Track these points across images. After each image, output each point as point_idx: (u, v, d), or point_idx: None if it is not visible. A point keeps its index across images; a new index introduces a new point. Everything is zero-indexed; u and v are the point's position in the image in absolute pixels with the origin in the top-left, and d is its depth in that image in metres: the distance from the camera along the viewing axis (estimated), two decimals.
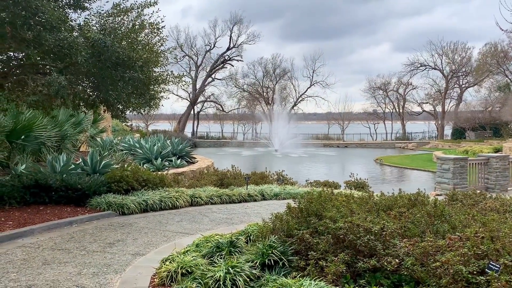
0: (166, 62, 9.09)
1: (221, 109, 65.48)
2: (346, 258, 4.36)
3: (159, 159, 16.22)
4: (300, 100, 65.01)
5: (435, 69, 61.85)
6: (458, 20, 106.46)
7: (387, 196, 7.11)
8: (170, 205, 10.35)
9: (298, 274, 4.78)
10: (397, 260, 4.21)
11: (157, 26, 8.36)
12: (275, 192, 12.39)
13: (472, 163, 15.07)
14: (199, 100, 63.13)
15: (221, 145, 56.01)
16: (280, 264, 5.10)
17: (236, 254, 5.75)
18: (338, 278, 4.32)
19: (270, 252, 5.18)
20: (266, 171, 15.83)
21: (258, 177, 14.29)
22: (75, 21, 9.06)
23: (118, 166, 13.68)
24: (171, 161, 16.80)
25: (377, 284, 4.27)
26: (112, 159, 14.85)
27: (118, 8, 8.37)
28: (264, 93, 66.95)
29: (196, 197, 11.06)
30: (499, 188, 14.91)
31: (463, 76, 61.20)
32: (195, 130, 63.37)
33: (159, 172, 13.45)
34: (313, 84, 64.73)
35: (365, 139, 63.12)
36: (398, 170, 32.09)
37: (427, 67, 62.17)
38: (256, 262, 5.13)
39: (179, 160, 17.02)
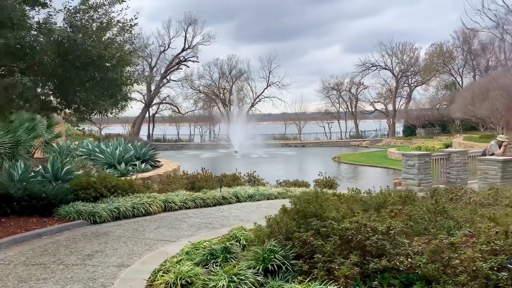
0: (137, 61, 8.63)
1: (177, 111, 64.38)
2: (356, 260, 4.24)
3: (123, 164, 15.57)
4: (258, 101, 65.27)
5: (385, 69, 64.05)
6: (405, 22, 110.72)
7: (375, 194, 7.10)
8: (143, 212, 9.89)
9: (303, 279, 4.62)
10: (409, 260, 4.14)
11: (130, 23, 7.92)
12: (249, 194, 12.19)
13: (435, 159, 15.57)
14: (154, 102, 61.74)
15: (179, 148, 55.03)
16: (283, 268, 4.91)
17: (232, 260, 5.50)
18: (350, 281, 4.19)
19: (272, 256, 4.98)
20: (237, 173, 15.60)
21: (230, 179, 14.03)
22: (33, 18, 8.43)
23: (80, 172, 12.99)
24: (135, 165, 16.18)
25: (389, 285, 4.19)
26: (72, 165, 14.06)
27: (87, 4, 7.85)
28: (221, 94, 66.58)
29: (169, 202, 10.65)
30: (460, 182, 15.47)
31: (412, 76, 63.75)
32: (150, 133, 61.89)
33: (127, 177, 12.87)
34: (269, 85, 65.18)
35: (320, 138, 64.25)
36: (357, 167, 32.82)
37: (378, 67, 64.27)
38: (259, 268, 4.91)
39: (144, 164, 16.43)
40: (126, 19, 7.91)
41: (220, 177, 13.69)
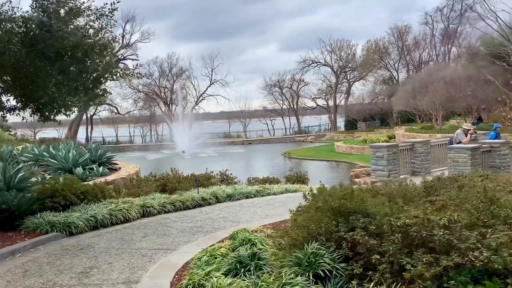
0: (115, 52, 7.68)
1: (116, 111, 61.50)
2: (430, 259, 3.84)
3: (80, 168, 14.21)
4: (201, 99, 64.17)
5: (325, 65, 65.51)
6: (338, 20, 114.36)
7: (390, 187, 6.79)
8: (121, 219, 8.94)
9: (360, 283, 4.16)
10: (485, 254, 3.81)
11: (111, 7, 6.98)
12: (228, 193, 11.56)
13: (401, 149, 15.83)
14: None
15: (122, 150, 52.46)
16: (334, 273, 4.42)
17: (265, 268, 4.92)
18: (425, 282, 3.79)
19: (319, 261, 4.47)
20: (207, 172, 14.86)
21: (204, 179, 13.27)
22: None
23: (36, 179, 11.68)
24: (92, 169, 14.85)
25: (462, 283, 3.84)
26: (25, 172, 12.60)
27: None
28: (162, 93, 64.63)
29: (147, 207, 9.76)
30: (424, 171, 15.88)
31: (350, 71, 65.77)
32: (89, 135, 58.63)
33: (88, 182, 11.71)
34: (212, 83, 64.28)
35: (265, 135, 64.50)
36: (309, 162, 33.05)
37: (318, 63, 65.59)
38: (308, 275, 4.37)
39: (101, 167, 15.14)
40: (106, 2, 6.97)
41: (197, 178, 12.90)
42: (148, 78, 56.78)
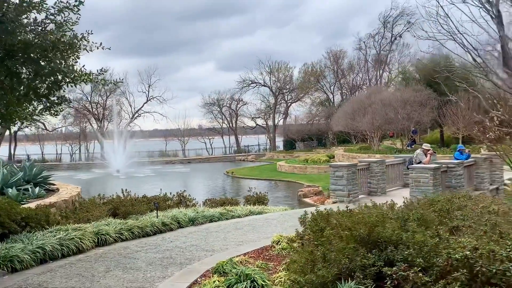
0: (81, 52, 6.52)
1: (43, 127, 57.14)
2: None
3: (13, 189, 12.37)
4: (137, 116, 61.57)
5: (264, 86, 66.04)
6: (276, 43, 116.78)
7: (398, 208, 6.26)
8: (74, 249, 7.63)
9: None
10: None
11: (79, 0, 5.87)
12: (190, 217, 10.51)
13: (358, 169, 15.69)
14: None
15: (50, 169, 48.46)
16: None
17: None
18: None
19: None
20: (162, 193, 13.60)
21: (160, 200, 12.07)
22: None
23: None
24: (27, 190, 13.05)
25: None
26: None
27: None
28: (94, 109, 61.25)
29: (102, 234, 8.48)
30: (380, 191, 15.86)
31: (288, 93, 66.84)
32: (11, 153, 53.73)
33: (27, 204, 10.10)
34: (149, 99, 62.08)
35: (204, 153, 63.23)
36: (254, 181, 32.41)
37: (258, 84, 66.00)
38: None
39: (37, 188, 13.36)
40: None
41: (151, 199, 11.68)
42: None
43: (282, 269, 5.88)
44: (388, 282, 3.73)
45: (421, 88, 35.32)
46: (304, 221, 5.87)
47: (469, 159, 15.70)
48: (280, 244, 7.53)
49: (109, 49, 6.44)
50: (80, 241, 7.82)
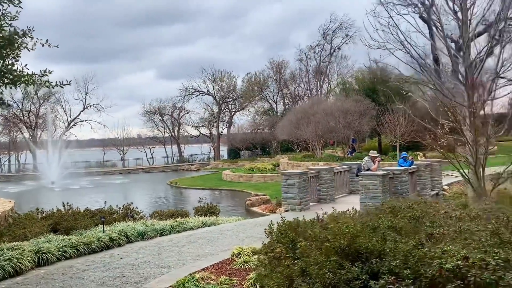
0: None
1: None
2: None
3: None
4: (73, 125, 58.52)
5: (208, 94, 65.51)
6: (218, 52, 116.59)
7: (359, 215, 6.15)
8: (11, 271, 6.81)
9: None
10: None
11: None
12: (139, 231, 9.87)
13: (309, 177, 15.72)
14: None
15: None
16: None
17: None
18: None
19: None
20: (106, 206, 12.73)
21: (105, 214, 11.25)
22: None
23: None
24: None
25: None
26: None
27: None
28: (25, 118, 57.42)
29: (43, 253, 7.68)
30: (329, 198, 16.00)
31: (232, 102, 66.77)
32: None
33: None
34: (86, 107, 59.27)
35: (145, 163, 61.32)
36: (200, 191, 31.76)
37: (201, 92, 65.35)
38: None
39: None
40: None
41: (100, 214, 10.85)
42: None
43: (249, 284, 5.55)
44: None
45: (360, 98, 36.59)
46: (271, 232, 5.58)
47: (412, 166, 16.27)
48: (240, 257, 7.20)
49: (57, 47, 5.82)
50: (18, 262, 7.01)
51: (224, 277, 6.07)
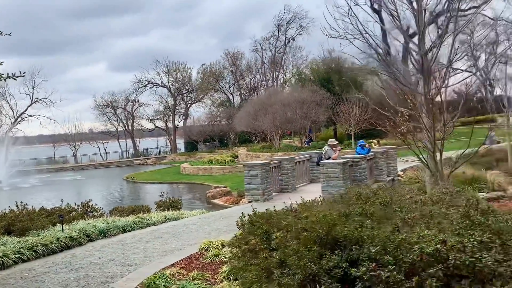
0: None
1: None
2: None
3: None
4: (20, 121, 55.56)
5: (162, 86, 64.19)
6: (171, 43, 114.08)
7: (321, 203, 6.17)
8: None
9: None
10: None
11: None
12: (101, 229, 9.50)
13: (271, 167, 15.76)
14: None
15: None
16: None
17: None
18: None
19: None
20: (63, 204, 12.12)
21: (63, 212, 10.71)
22: None
23: None
24: None
25: None
26: None
27: None
28: None
29: None
30: (291, 187, 16.12)
31: (187, 93, 65.81)
32: None
33: None
34: (34, 102, 56.46)
35: (98, 159, 59.38)
36: (159, 185, 31.19)
37: (155, 84, 63.93)
38: None
39: None
40: None
41: (58, 212, 10.32)
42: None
43: (222, 278, 5.47)
44: (359, 285, 3.52)
45: (316, 88, 37.12)
46: (243, 224, 5.51)
47: (370, 153, 16.70)
48: (210, 250, 7.10)
49: (9, 35, 5.39)
50: None
51: (196, 271, 5.94)
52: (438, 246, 3.40)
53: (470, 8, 13.30)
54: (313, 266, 3.69)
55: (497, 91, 20.74)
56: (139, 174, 39.39)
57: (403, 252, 3.51)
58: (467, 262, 3.25)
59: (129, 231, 9.94)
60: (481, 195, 11.68)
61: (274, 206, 6.19)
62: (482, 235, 3.62)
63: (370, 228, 3.99)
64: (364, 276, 3.44)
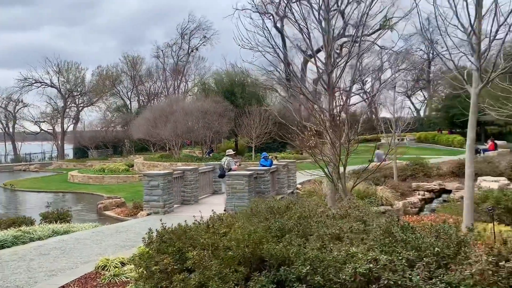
0: None
1: None
2: None
3: None
4: None
5: (51, 86, 59.16)
6: (65, 42, 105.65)
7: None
8: None
9: None
10: None
11: None
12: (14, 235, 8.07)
13: (174, 177, 15.08)
14: None
15: None
16: None
17: None
18: None
19: None
20: None
21: None
22: None
23: None
24: None
25: None
26: None
27: None
28: None
29: None
30: (194, 199, 15.60)
31: (79, 96, 61.48)
32: None
33: None
34: None
35: None
36: (43, 194, 28.29)
37: (43, 84, 58.67)
38: None
39: None
40: None
41: None
42: None
43: None
44: None
45: (220, 99, 37.09)
46: (151, 241, 4.95)
47: (273, 166, 16.92)
48: (108, 270, 6.34)
49: None
50: None
51: None
52: (371, 265, 3.28)
53: (370, 34, 14.26)
54: None
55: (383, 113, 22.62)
56: (20, 181, 35.48)
57: (332, 272, 3.33)
58: (399, 282, 3.17)
59: (8, 247, 8.61)
60: (374, 209, 12.41)
61: (186, 220, 5.70)
62: (407, 252, 3.61)
63: (297, 246, 3.76)
64: None
